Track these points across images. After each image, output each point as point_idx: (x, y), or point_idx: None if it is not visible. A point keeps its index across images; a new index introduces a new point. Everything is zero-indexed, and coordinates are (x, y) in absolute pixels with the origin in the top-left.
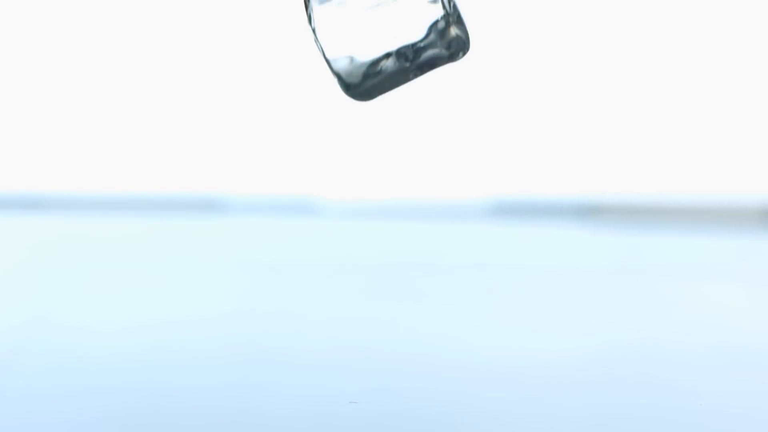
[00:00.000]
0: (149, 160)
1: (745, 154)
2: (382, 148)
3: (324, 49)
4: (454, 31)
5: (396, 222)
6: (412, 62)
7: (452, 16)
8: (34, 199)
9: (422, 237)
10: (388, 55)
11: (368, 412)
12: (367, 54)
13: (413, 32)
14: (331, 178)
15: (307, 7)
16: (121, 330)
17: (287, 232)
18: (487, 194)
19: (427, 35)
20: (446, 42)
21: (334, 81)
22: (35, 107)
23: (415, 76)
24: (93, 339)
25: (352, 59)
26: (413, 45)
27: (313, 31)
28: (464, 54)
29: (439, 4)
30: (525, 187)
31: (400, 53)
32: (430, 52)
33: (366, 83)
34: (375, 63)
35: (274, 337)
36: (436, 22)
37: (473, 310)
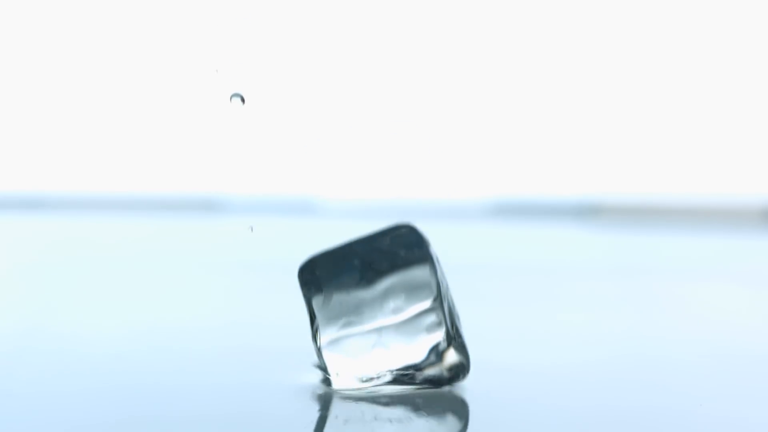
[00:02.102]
0: (149, 160)
1: (745, 154)
2: (382, 148)
3: (328, 367)
4: (454, 355)
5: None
6: (411, 382)
7: (454, 340)
8: (34, 199)
9: None
10: (389, 374)
11: (368, 413)
12: (368, 372)
13: (414, 354)
14: (331, 178)
15: (312, 323)
16: (120, 330)
17: (287, 232)
18: (487, 194)
19: (428, 357)
20: (447, 365)
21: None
22: (35, 107)
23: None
24: (92, 339)
25: (355, 378)
26: (414, 366)
27: (318, 349)
28: (464, 377)
29: (443, 329)
30: (525, 187)
31: (401, 373)
32: (429, 373)
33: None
34: (376, 382)
35: (274, 337)
36: (437, 345)
37: (472, 310)
